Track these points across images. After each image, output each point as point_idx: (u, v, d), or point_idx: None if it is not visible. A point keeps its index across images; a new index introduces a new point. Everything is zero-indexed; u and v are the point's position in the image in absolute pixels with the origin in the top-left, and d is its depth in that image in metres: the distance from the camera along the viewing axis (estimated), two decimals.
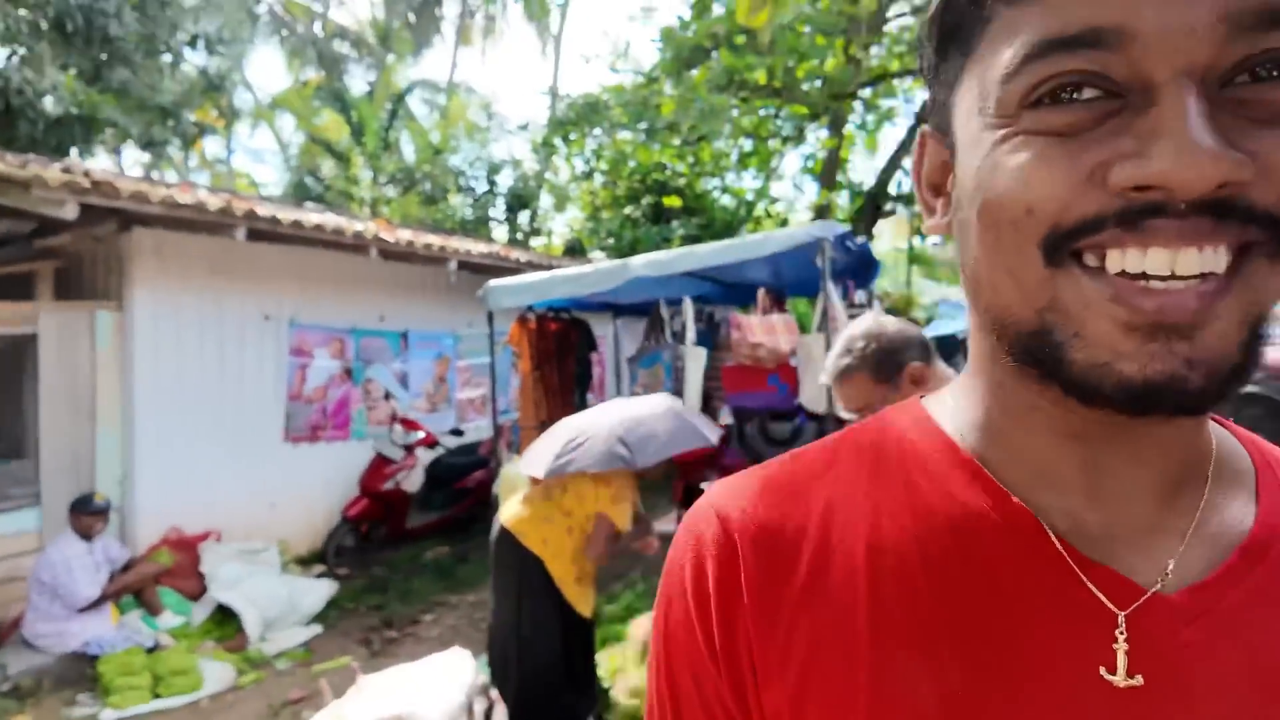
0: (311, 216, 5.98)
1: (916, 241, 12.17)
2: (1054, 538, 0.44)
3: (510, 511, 2.96)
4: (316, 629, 4.69)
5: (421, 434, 6.32)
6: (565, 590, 2.84)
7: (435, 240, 7.00)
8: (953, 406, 0.51)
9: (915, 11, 10.26)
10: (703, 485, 4.74)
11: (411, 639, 4.54)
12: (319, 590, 5.02)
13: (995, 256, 0.40)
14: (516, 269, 7.20)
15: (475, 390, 7.82)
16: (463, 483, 6.46)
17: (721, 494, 0.52)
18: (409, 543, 6.12)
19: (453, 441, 6.73)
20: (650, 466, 2.87)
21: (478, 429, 7.36)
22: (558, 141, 11.96)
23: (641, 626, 3.69)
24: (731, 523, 0.49)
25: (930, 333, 11.75)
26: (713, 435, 3.02)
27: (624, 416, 2.91)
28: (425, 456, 6.40)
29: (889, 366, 1.52)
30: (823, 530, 0.48)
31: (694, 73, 10.40)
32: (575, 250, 12.06)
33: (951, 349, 10.95)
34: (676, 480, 5.32)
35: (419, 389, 7.22)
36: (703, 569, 0.49)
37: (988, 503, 0.45)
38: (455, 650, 3.64)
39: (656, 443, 2.81)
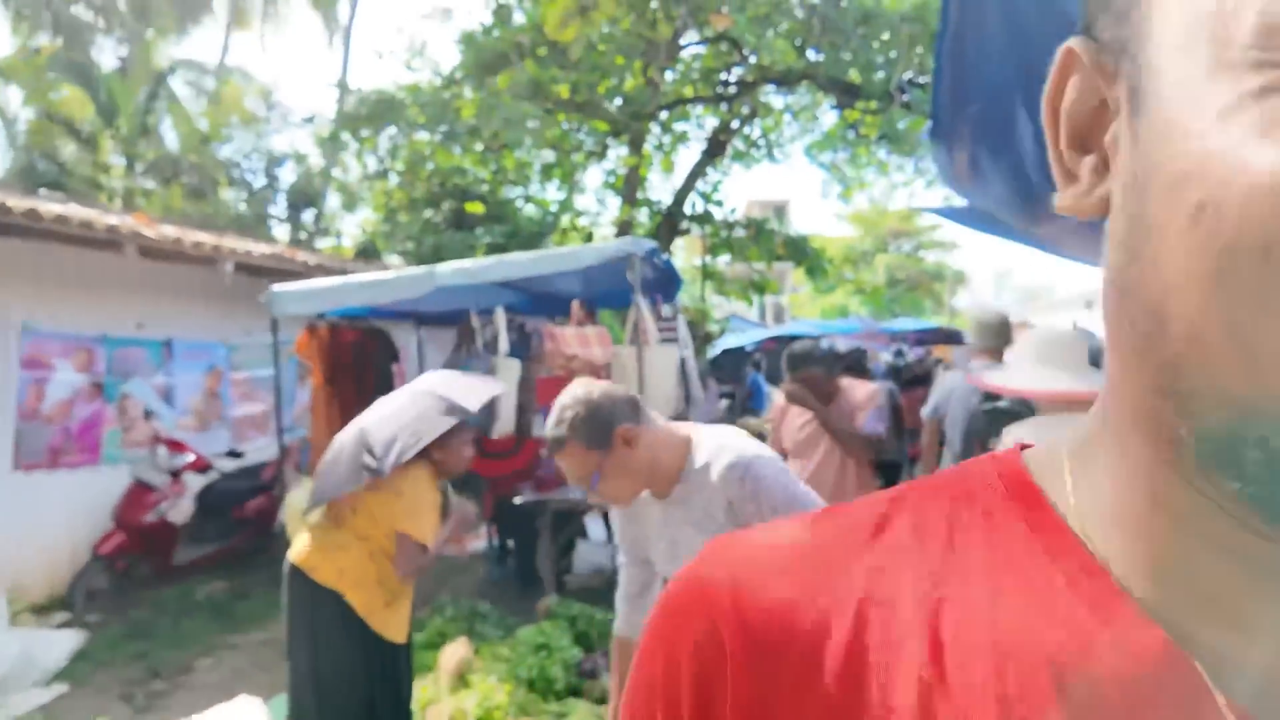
0: (52, 206, 5.14)
1: (709, 259, 12.86)
2: (1224, 704, 0.29)
3: (298, 546, 2.69)
4: (61, 688, 3.99)
5: (190, 456, 5.64)
6: (372, 620, 2.62)
7: (206, 238, 6.30)
8: (1070, 478, 0.35)
9: (705, 41, 10.86)
10: (516, 499, 4.64)
11: (185, 689, 4.00)
12: (62, 642, 4.29)
13: (1217, 296, 0.25)
14: (303, 272, 6.66)
15: (255, 406, 7.12)
16: (242, 510, 5.84)
17: (715, 560, 0.38)
18: (178, 580, 5.41)
19: (229, 464, 6.07)
20: (449, 465, 2.67)
21: (259, 449, 6.70)
22: (347, 137, 11.26)
23: (452, 654, 3.53)
24: (723, 611, 0.35)
25: (721, 345, 12.49)
26: (474, 401, 2.68)
27: (370, 419, 2.61)
28: (195, 482, 5.71)
29: (600, 432, 1.52)
30: (856, 632, 0.33)
31: (496, 79, 10.26)
32: (369, 253, 11.43)
33: (740, 361, 11.68)
34: (486, 493, 5.17)
35: (186, 406, 6.45)
36: (676, 677, 0.36)
37: (1123, 636, 0.30)
38: (241, 699, 3.27)
39: (406, 434, 2.50)
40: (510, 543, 5.59)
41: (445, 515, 2.76)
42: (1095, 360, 2.29)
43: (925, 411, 3.76)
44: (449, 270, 4.09)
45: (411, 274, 4.27)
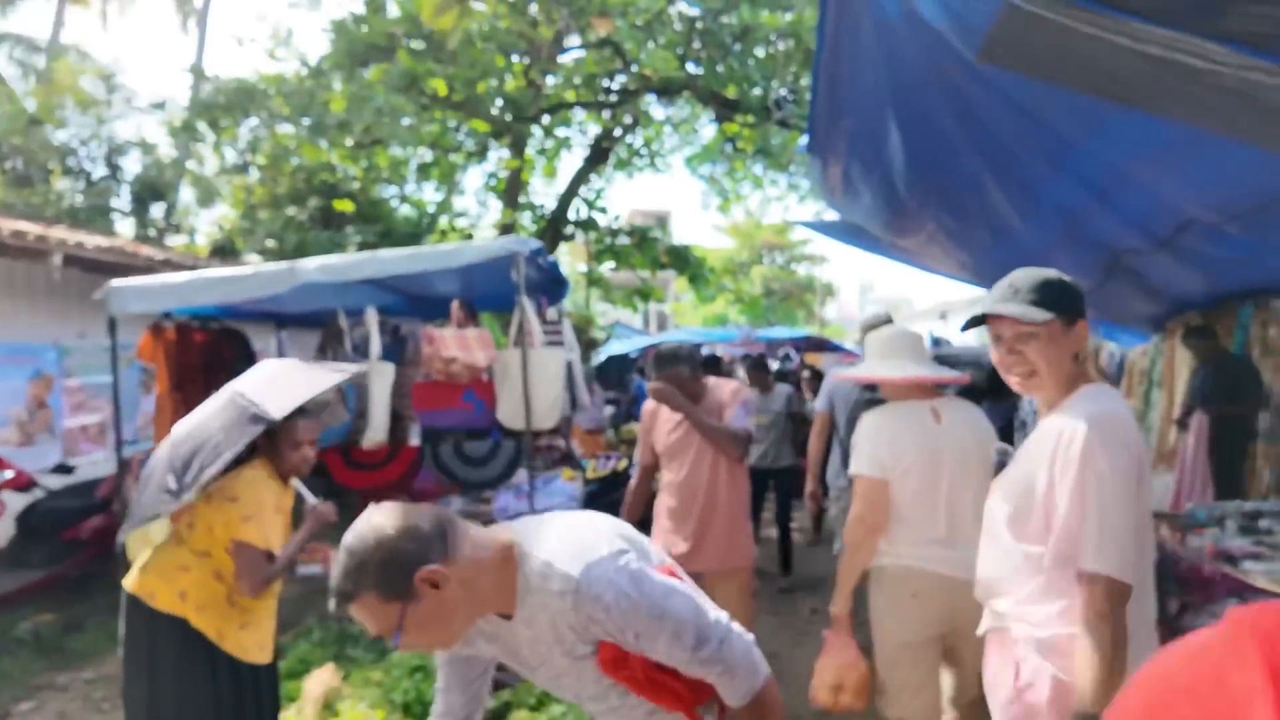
0: None
1: (594, 265, 12.84)
2: None
3: (134, 570, 2.39)
4: None
5: (9, 473, 5.00)
6: (227, 644, 2.35)
7: (30, 228, 5.65)
8: None
9: (587, 46, 10.84)
10: None
11: None
12: None
13: None
14: (148, 268, 6.11)
15: (91, 416, 6.43)
16: (74, 532, 5.23)
17: None
18: None
19: (58, 481, 5.43)
20: (284, 468, 2.42)
21: (96, 464, 6.05)
22: (202, 126, 10.45)
23: (318, 682, 3.27)
24: None
25: (606, 352, 12.47)
26: (280, 406, 2.32)
27: (180, 431, 2.35)
28: (16, 501, 5.06)
29: (398, 581, 1.21)
30: None
31: (368, 72, 9.83)
32: (226, 251, 10.65)
33: (624, 367, 11.69)
34: (359, 509, 4.86)
35: (6, 416, 5.74)
36: None
37: None
38: None
39: (206, 452, 2.22)
40: None
41: (300, 519, 2.51)
42: (935, 359, 2.63)
43: (818, 405, 4.49)
44: (314, 266, 3.80)
45: (271, 269, 3.95)
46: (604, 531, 1.37)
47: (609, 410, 8.46)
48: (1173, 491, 4.88)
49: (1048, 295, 1.56)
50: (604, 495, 4.77)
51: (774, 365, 11.02)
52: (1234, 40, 1.62)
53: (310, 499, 2.51)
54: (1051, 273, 1.61)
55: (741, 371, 11.16)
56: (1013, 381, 1.64)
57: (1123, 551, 1.44)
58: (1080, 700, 1.42)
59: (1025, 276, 1.61)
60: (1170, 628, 3.34)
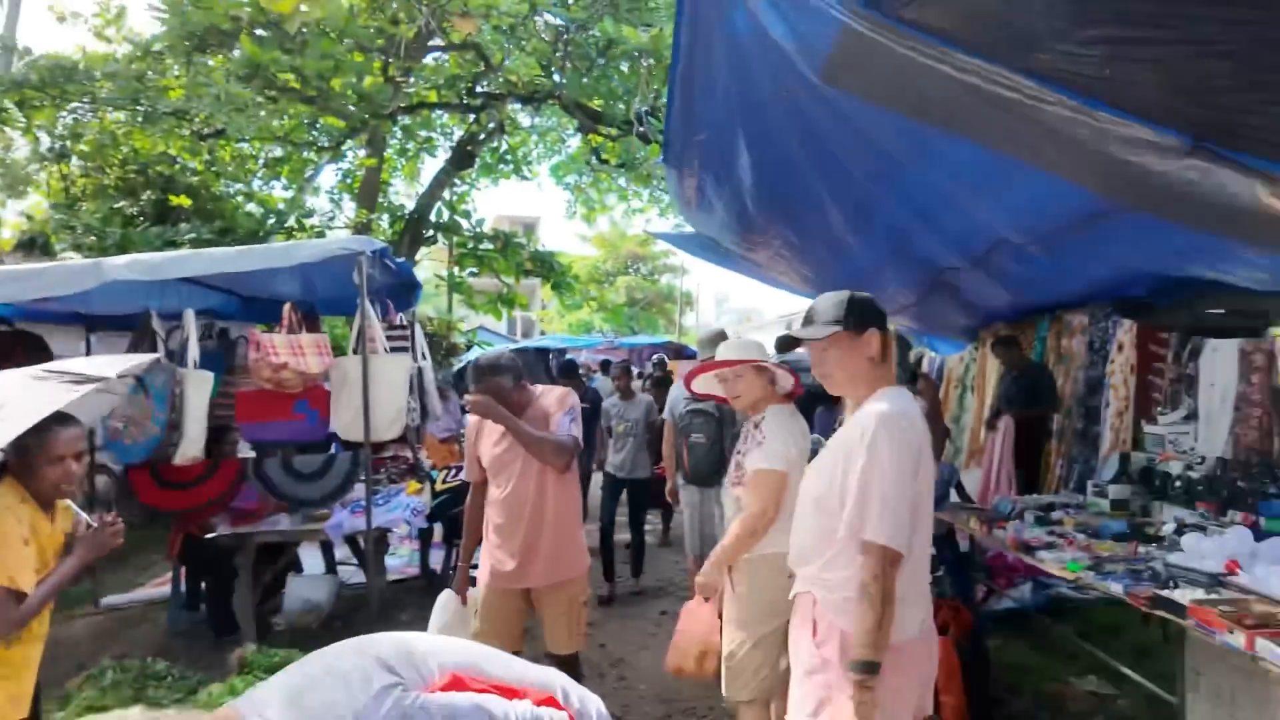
0: None
1: (457, 271, 12.49)
2: None
3: None
4: None
5: None
6: None
7: None
8: None
9: (450, 48, 10.57)
10: (210, 535, 3.99)
11: None
12: None
13: None
14: None
15: None
16: None
17: None
18: None
19: None
20: (41, 493, 2.09)
21: None
22: (10, 105, 9.34)
23: None
24: None
25: (468, 358, 12.13)
26: (17, 425, 1.92)
27: None
28: None
29: None
30: None
31: (210, 61, 9.13)
32: (37, 246, 9.53)
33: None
34: (174, 532, 4.41)
35: None
36: None
37: None
38: None
39: None
40: (204, 585, 4.83)
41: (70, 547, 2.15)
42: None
43: (666, 414, 4.85)
44: (123, 263, 3.42)
45: (73, 266, 3.53)
46: (358, 672, 1.21)
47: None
48: (980, 487, 5.31)
49: (839, 312, 1.86)
50: (454, 505, 4.60)
51: (637, 371, 11.10)
52: (1043, 76, 1.79)
53: (85, 521, 2.18)
54: (846, 294, 1.91)
55: (600, 376, 11.20)
56: (824, 384, 1.92)
57: (897, 525, 1.68)
58: (854, 649, 1.65)
59: (822, 301, 1.91)
60: (976, 611, 3.67)
